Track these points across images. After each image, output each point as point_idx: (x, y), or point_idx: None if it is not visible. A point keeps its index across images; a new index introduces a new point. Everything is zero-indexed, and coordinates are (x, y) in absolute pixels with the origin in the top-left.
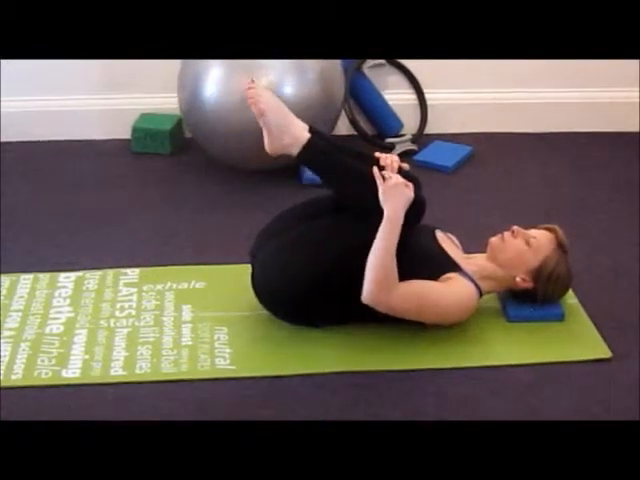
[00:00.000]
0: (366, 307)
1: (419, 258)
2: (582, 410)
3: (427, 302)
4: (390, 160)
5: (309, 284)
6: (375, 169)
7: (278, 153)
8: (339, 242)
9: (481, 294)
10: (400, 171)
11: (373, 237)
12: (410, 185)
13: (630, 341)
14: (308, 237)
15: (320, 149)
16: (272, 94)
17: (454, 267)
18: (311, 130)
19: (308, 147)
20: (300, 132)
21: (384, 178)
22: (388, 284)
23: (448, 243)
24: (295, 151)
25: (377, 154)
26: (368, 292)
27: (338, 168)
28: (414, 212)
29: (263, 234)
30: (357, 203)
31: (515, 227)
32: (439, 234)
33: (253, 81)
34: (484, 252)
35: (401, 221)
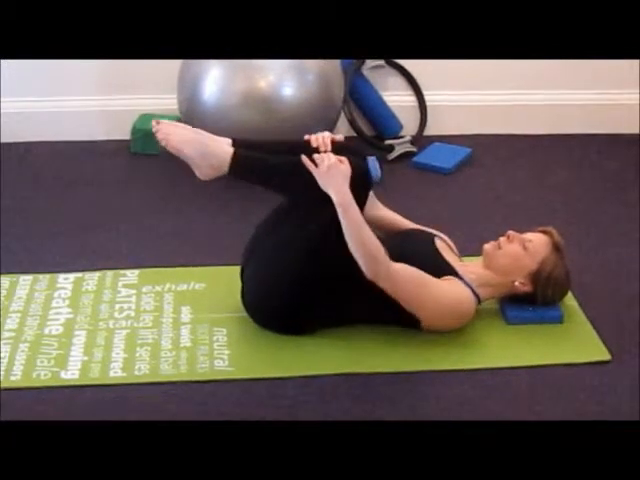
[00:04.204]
0: (354, 303)
1: (418, 265)
2: (582, 411)
3: (424, 285)
4: (321, 140)
5: (292, 291)
6: (304, 158)
7: (212, 177)
8: (304, 241)
9: (480, 301)
10: (336, 145)
11: (333, 221)
12: (344, 159)
13: (629, 343)
14: (275, 248)
15: (246, 159)
16: (181, 125)
17: (453, 274)
18: (235, 143)
19: (235, 161)
20: (223, 149)
21: (316, 164)
22: (375, 255)
23: (447, 251)
24: (226, 169)
25: (306, 137)
26: (365, 270)
27: (270, 170)
28: (359, 183)
29: (243, 256)
30: (301, 196)
31: (510, 232)
32: (438, 242)
33: (158, 122)
34: (481, 254)
35: (350, 198)
